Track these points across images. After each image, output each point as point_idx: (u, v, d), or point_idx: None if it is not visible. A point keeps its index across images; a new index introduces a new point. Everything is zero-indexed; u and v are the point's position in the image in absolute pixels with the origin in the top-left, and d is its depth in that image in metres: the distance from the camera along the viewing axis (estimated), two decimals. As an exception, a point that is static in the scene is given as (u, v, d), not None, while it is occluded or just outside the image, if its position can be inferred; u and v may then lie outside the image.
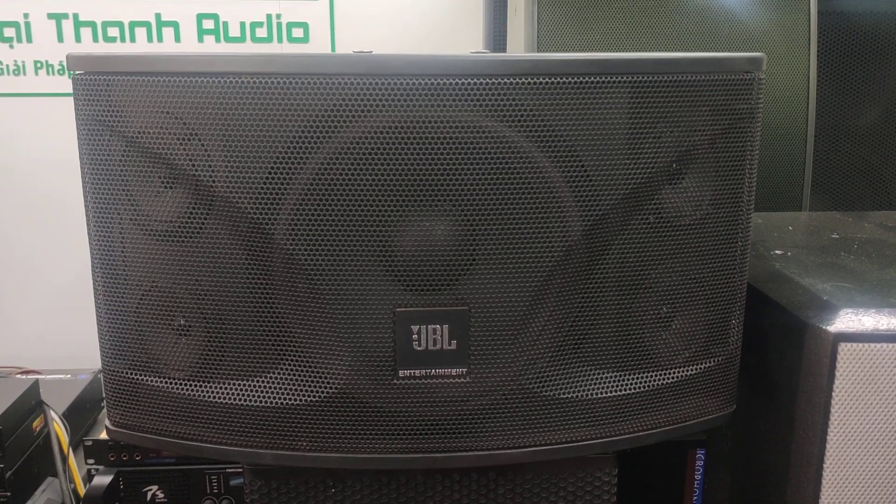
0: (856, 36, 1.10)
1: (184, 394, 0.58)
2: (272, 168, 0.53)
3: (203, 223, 0.55)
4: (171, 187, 0.55)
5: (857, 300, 0.59)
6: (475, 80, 0.52)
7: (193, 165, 0.54)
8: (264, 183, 0.53)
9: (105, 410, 1.11)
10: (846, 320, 0.57)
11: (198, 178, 0.54)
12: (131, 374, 0.59)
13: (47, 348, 1.47)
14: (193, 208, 0.55)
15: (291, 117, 0.52)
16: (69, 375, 1.14)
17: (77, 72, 0.56)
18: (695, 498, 0.80)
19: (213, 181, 0.54)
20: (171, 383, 0.59)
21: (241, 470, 0.89)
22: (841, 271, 0.66)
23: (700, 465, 0.79)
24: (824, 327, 0.57)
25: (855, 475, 0.58)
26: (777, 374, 0.63)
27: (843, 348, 0.56)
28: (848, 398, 0.56)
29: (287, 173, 0.53)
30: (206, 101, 0.53)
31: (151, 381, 0.59)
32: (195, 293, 0.57)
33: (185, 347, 0.58)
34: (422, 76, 0.52)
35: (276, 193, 0.53)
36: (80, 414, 1.05)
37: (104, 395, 0.61)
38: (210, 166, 0.54)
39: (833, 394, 0.56)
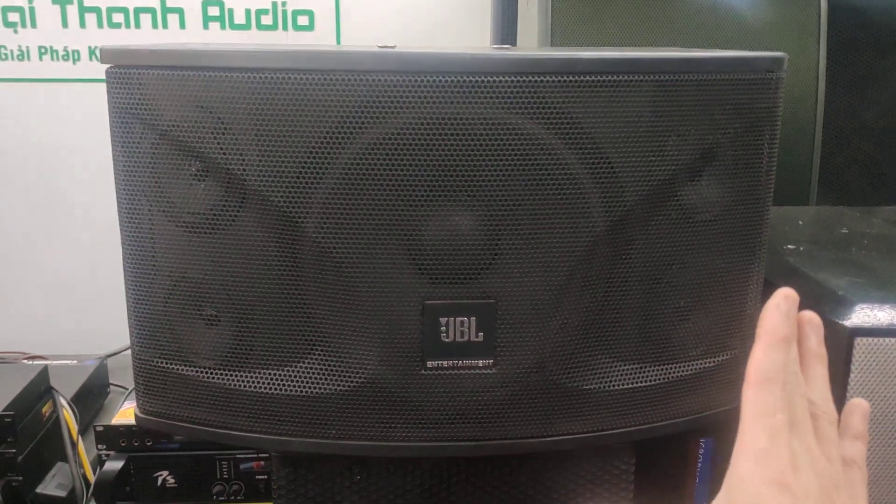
0: (864, 30, 1.11)
1: (213, 382, 0.60)
2: (304, 162, 0.54)
3: (235, 215, 0.56)
4: (202, 180, 0.56)
5: (871, 295, 0.60)
6: (504, 78, 0.53)
7: (226, 158, 0.55)
8: (296, 177, 0.54)
9: (111, 396, 1.13)
10: (861, 315, 0.58)
11: (230, 171, 0.55)
12: (161, 362, 0.60)
13: (51, 333, 1.47)
14: (225, 201, 0.56)
15: (324, 113, 0.53)
16: (75, 361, 1.15)
17: (110, 65, 0.56)
18: (697, 486, 0.82)
19: (246, 174, 0.55)
20: (200, 372, 0.60)
21: (251, 455, 0.90)
22: (853, 266, 0.68)
23: (703, 454, 0.81)
24: (840, 322, 0.58)
25: (868, 465, 0.59)
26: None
27: (859, 342, 0.57)
28: (862, 390, 0.58)
29: (319, 167, 0.54)
30: (240, 96, 0.53)
31: (181, 369, 0.60)
32: (226, 284, 0.58)
33: (215, 337, 0.59)
34: (452, 74, 0.53)
35: (308, 187, 0.54)
36: (87, 400, 1.06)
37: (134, 384, 0.62)
38: (242, 160, 0.55)
39: (848, 386, 0.58)
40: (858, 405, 0.48)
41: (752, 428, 0.41)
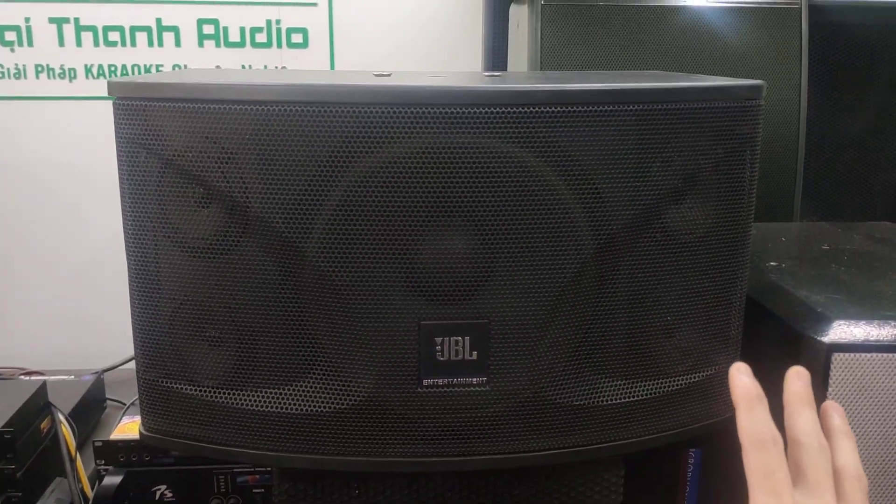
0: (845, 48, 1.15)
1: (216, 401, 0.62)
2: (304, 189, 0.56)
3: (238, 241, 0.58)
4: (206, 206, 0.58)
5: (848, 312, 0.63)
6: (494, 109, 0.55)
7: (229, 186, 0.57)
8: (296, 203, 0.57)
9: (107, 411, 1.14)
10: (839, 331, 0.61)
11: (233, 199, 0.57)
12: (165, 382, 0.63)
13: (47, 349, 1.48)
14: (228, 227, 0.58)
15: (323, 143, 0.55)
16: (72, 377, 1.16)
17: (117, 97, 0.58)
18: (687, 496, 0.84)
19: (248, 201, 0.57)
20: (203, 391, 0.62)
21: (247, 469, 0.92)
22: (833, 283, 0.70)
23: (693, 465, 0.83)
24: (819, 338, 0.61)
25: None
26: (774, 380, 0.67)
27: (837, 358, 0.60)
28: (840, 404, 0.60)
29: (318, 195, 0.56)
30: (242, 128, 0.56)
31: (185, 388, 0.62)
32: (228, 306, 0.60)
33: (218, 357, 0.61)
34: (444, 105, 0.55)
35: (308, 213, 0.57)
36: (84, 415, 1.07)
37: (139, 402, 0.64)
38: (245, 187, 0.57)
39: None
40: (831, 407, 0.52)
41: (755, 494, 0.45)
